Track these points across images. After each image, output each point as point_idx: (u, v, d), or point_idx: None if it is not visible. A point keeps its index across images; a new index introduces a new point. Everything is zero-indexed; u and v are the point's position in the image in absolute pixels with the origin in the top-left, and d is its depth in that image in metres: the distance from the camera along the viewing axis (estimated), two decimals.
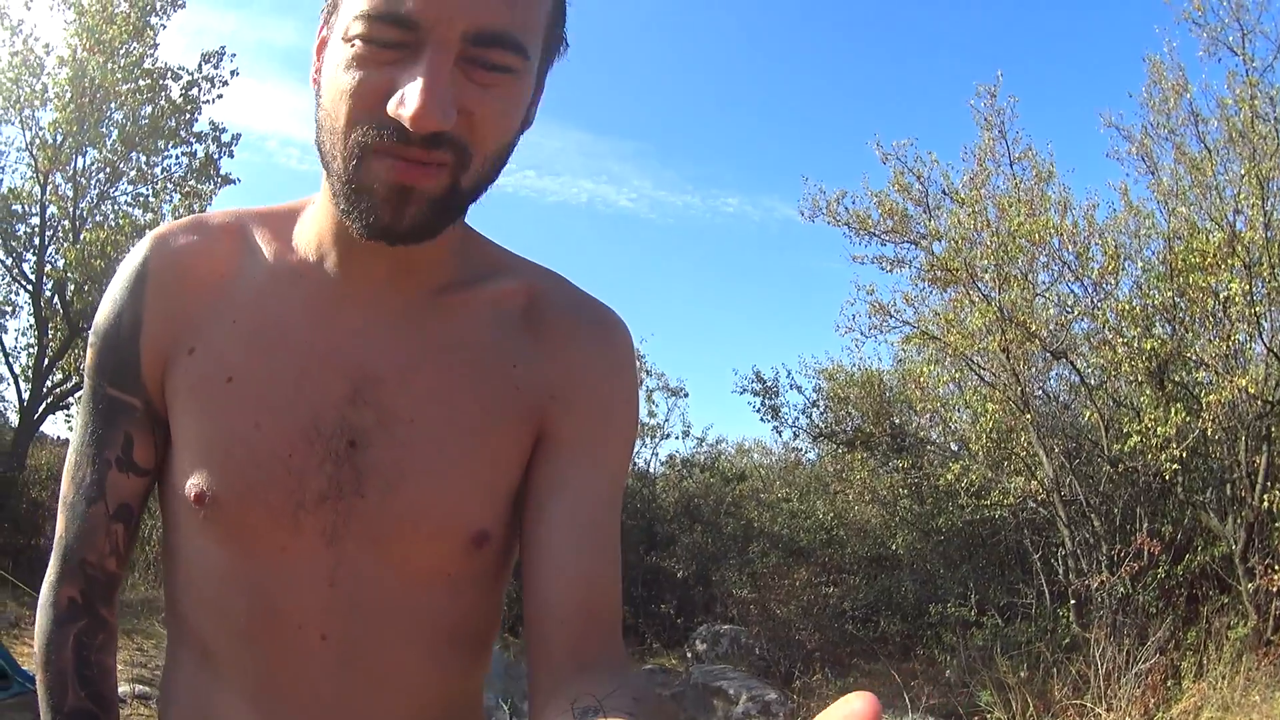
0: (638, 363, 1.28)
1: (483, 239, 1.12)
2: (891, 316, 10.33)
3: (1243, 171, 8.53)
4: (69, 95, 13.09)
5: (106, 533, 1.07)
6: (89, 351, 1.09)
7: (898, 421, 12.12)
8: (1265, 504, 7.76)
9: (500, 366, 1.05)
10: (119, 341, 1.06)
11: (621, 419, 1.09)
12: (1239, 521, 8.31)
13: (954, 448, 11.25)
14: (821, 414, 13.12)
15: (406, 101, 0.83)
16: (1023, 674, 8.18)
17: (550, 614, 0.97)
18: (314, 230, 1.04)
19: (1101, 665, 7.73)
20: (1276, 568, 7.58)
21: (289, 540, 1.00)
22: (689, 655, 11.13)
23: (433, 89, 0.83)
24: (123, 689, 6.78)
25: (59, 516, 1.09)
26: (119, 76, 13.38)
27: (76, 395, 14.35)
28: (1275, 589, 7.43)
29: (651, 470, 15.29)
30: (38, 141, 13.28)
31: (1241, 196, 8.54)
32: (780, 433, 13.34)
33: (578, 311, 1.10)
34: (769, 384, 12.94)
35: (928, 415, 11.43)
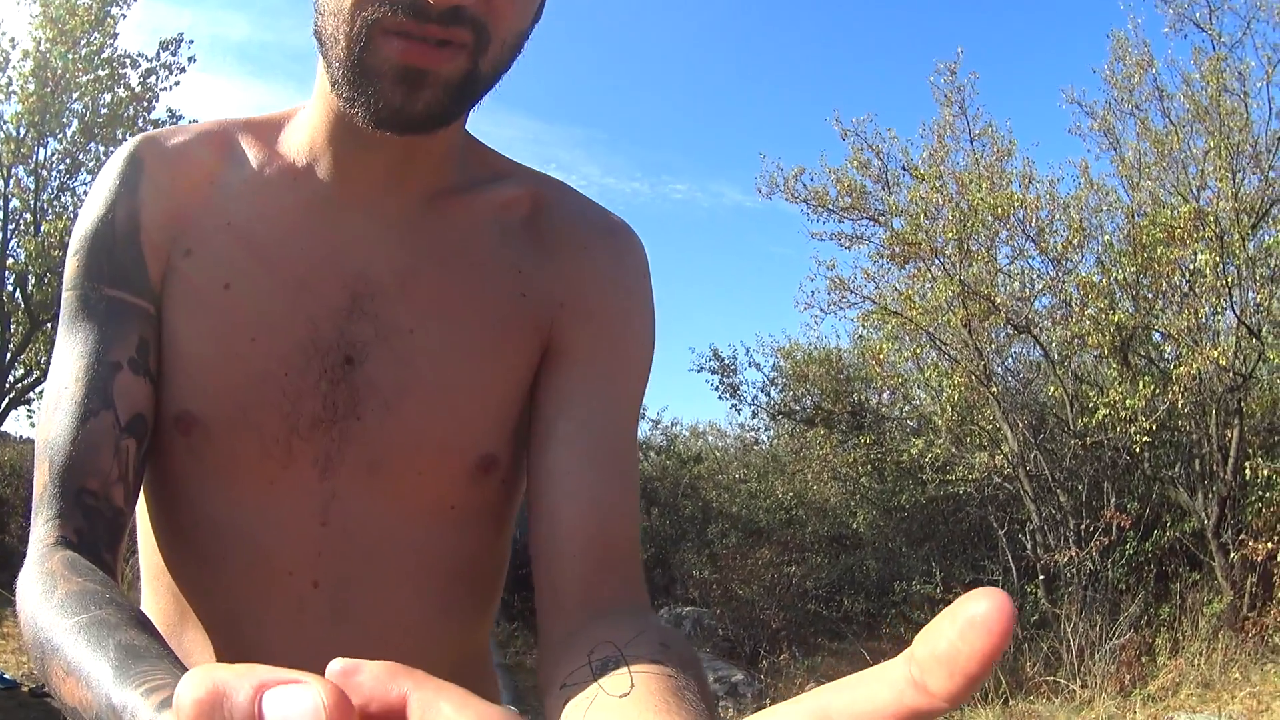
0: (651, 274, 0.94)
1: (482, 145, 0.93)
2: (851, 292, 9.65)
3: (1209, 145, 7.98)
4: (32, 86, 12.34)
5: (115, 449, 0.75)
6: (70, 263, 0.83)
7: (857, 399, 11.33)
8: (1247, 473, 7.08)
9: (505, 273, 0.88)
10: (115, 241, 0.83)
11: (638, 331, 0.90)
12: (1210, 496, 7.74)
13: (914, 424, 10.53)
14: (780, 392, 12.31)
15: None
16: None
17: (560, 545, 0.77)
18: (306, 133, 0.86)
19: (1074, 641, 7.23)
20: (1256, 540, 6.92)
21: (279, 472, 0.81)
22: None
23: None
24: None
25: (38, 464, 0.76)
26: (80, 67, 12.70)
27: (37, 390, 13.49)
28: (1258, 558, 6.76)
29: None
30: (1, 135, 12.50)
31: (1208, 171, 7.97)
32: (739, 411, 12.60)
33: (586, 218, 0.92)
34: (727, 362, 12.06)
35: (887, 392, 10.76)
